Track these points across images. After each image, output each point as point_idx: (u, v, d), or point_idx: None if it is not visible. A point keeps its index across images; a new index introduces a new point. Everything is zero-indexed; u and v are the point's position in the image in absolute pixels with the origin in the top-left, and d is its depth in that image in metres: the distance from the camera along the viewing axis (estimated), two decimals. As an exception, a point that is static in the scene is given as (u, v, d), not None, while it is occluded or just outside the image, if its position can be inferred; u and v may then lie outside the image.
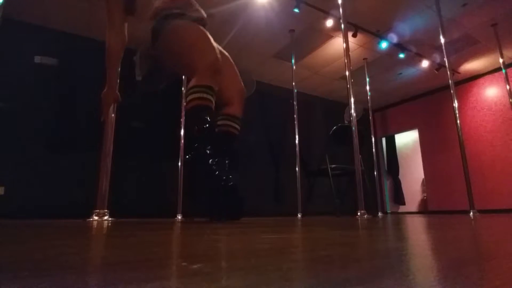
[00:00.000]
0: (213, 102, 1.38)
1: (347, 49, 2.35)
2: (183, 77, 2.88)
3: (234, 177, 1.55)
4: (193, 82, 1.39)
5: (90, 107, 3.22)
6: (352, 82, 2.26)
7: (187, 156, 1.32)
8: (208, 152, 1.29)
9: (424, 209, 6.13)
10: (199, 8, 1.67)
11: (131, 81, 1.60)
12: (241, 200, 1.53)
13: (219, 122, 1.58)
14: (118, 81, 1.67)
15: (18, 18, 3.41)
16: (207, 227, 0.93)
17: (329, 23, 3.65)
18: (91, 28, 3.62)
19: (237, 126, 1.59)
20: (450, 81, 3.15)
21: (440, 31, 3.27)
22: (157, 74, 1.65)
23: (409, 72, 5.06)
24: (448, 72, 3.20)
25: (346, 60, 2.32)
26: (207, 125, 1.34)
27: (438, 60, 4.62)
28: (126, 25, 1.64)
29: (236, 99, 1.62)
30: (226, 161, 1.56)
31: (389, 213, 6.26)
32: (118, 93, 1.66)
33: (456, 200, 5.07)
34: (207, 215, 1.25)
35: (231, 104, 1.60)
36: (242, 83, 1.69)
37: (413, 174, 6.52)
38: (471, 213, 2.79)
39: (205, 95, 1.35)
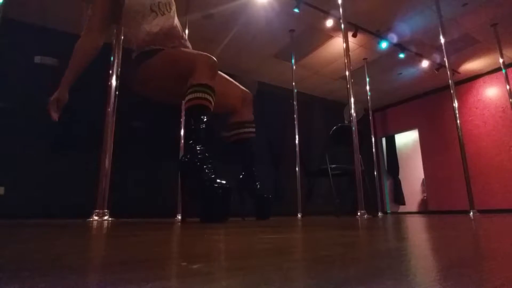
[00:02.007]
0: (212, 103, 1.36)
1: (347, 49, 2.35)
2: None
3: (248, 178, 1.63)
4: (191, 81, 1.36)
5: (90, 107, 3.23)
6: (352, 82, 2.26)
7: (183, 157, 1.30)
8: (203, 153, 1.27)
9: (424, 209, 6.13)
10: (185, 41, 1.63)
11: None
12: (267, 200, 1.60)
13: (236, 131, 1.67)
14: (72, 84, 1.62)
15: (18, 18, 3.41)
16: (207, 227, 0.93)
17: (329, 23, 3.65)
18: (91, 28, 3.62)
19: (248, 130, 1.68)
20: (450, 81, 3.15)
21: (440, 31, 3.27)
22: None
23: (409, 72, 5.06)
24: (448, 72, 3.20)
25: (346, 60, 2.32)
26: (204, 126, 1.33)
27: (438, 60, 4.62)
28: (105, 32, 1.58)
29: (243, 105, 1.68)
30: (251, 163, 1.65)
31: (389, 213, 6.27)
32: (67, 96, 1.60)
33: (456, 200, 5.07)
34: (201, 216, 1.25)
35: (238, 111, 1.67)
36: (241, 87, 1.72)
37: (413, 174, 6.52)
38: (471, 213, 2.79)
39: (205, 95, 1.34)
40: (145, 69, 1.49)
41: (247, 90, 1.75)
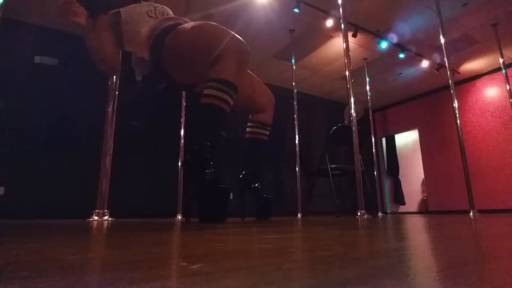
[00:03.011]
0: (231, 104, 1.27)
1: (347, 49, 2.35)
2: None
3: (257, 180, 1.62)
4: (214, 72, 1.24)
5: (90, 107, 3.23)
6: (352, 82, 2.26)
7: (188, 156, 1.28)
8: (208, 154, 1.25)
9: (424, 209, 6.13)
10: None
11: (131, 79, 1.58)
12: (268, 200, 1.60)
13: (249, 129, 1.65)
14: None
15: (18, 18, 3.41)
16: (207, 227, 0.93)
17: (329, 23, 3.65)
18: (91, 28, 3.61)
19: (266, 132, 1.67)
20: (450, 81, 3.15)
21: (440, 31, 3.27)
22: (156, 74, 1.60)
23: (409, 72, 5.06)
24: (448, 72, 3.20)
25: (346, 60, 2.32)
26: (214, 128, 1.27)
27: (438, 60, 4.63)
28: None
29: (268, 106, 1.67)
30: (256, 164, 1.65)
31: (389, 213, 6.27)
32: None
33: (456, 200, 5.07)
34: (200, 216, 1.25)
35: (263, 111, 1.64)
36: (272, 94, 1.70)
37: (413, 174, 6.52)
38: (471, 213, 2.79)
39: (224, 95, 1.24)
40: (170, 46, 1.37)
41: (269, 91, 1.72)
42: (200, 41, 1.35)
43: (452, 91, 3.12)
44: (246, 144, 1.69)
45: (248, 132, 1.68)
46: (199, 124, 1.28)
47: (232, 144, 1.72)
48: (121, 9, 1.47)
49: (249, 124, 1.68)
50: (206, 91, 1.26)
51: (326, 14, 3.55)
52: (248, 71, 1.61)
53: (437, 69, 4.75)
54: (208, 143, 1.25)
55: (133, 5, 1.50)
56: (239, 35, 1.36)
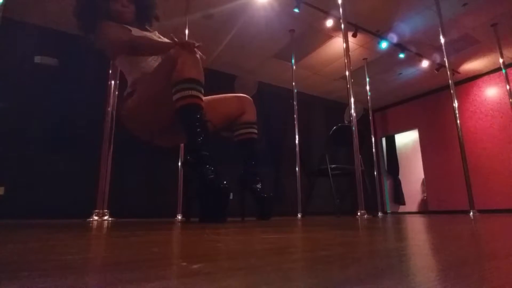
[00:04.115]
0: (201, 98, 1.31)
1: (347, 49, 2.35)
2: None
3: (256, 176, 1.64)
4: (176, 76, 1.29)
5: (90, 107, 3.23)
6: (352, 82, 2.26)
7: (188, 157, 1.29)
8: (205, 153, 1.26)
9: (424, 209, 6.13)
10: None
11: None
12: (268, 201, 1.61)
13: (238, 132, 1.69)
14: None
15: (18, 18, 3.41)
16: (207, 227, 0.93)
17: (329, 23, 3.65)
18: (91, 28, 3.61)
19: (253, 130, 1.71)
20: (450, 81, 3.15)
21: (440, 31, 3.27)
22: None
23: (409, 72, 5.06)
24: (448, 72, 3.20)
25: (346, 60, 2.32)
26: (201, 125, 1.29)
27: (438, 60, 4.62)
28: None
29: (246, 106, 1.71)
30: (253, 163, 1.67)
31: (389, 213, 6.27)
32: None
33: (456, 200, 5.07)
34: (200, 215, 1.25)
35: (243, 113, 1.69)
36: (236, 95, 1.75)
37: (413, 174, 6.52)
38: (471, 213, 2.79)
39: (192, 92, 1.28)
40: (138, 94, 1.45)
41: (243, 95, 1.76)
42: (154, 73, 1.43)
43: (452, 91, 3.12)
44: (238, 147, 1.72)
45: (236, 135, 1.72)
46: (184, 128, 1.31)
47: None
48: (131, 28, 1.51)
49: (235, 128, 1.72)
50: (175, 96, 1.29)
51: (326, 14, 3.54)
52: (211, 97, 1.67)
53: (437, 69, 4.75)
54: (200, 140, 1.25)
55: (140, 31, 1.56)
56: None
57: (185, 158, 1.32)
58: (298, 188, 3.54)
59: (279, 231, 0.82)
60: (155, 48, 1.46)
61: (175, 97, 1.29)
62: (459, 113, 3.09)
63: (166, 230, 0.90)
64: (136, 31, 1.52)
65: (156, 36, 1.63)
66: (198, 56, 1.37)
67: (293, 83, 3.93)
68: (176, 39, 1.33)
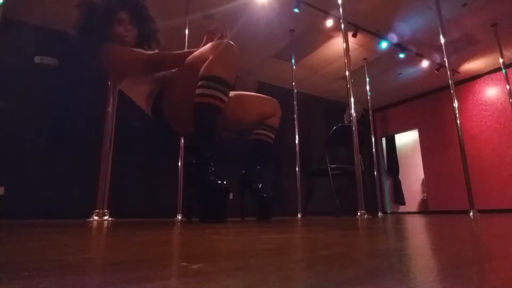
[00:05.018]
0: (225, 101, 1.26)
1: (347, 49, 2.35)
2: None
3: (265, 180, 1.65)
4: (202, 72, 1.25)
5: (90, 107, 3.23)
6: (352, 82, 2.26)
7: (190, 157, 1.28)
8: (209, 154, 1.25)
9: (424, 209, 6.13)
10: None
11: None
12: (269, 201, 1.61)
13: (259, 131, 1.68)
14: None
15: (18, 18, 3.41)
16: (207, 227, 0.93)
17: (329, 23, 3.65)
18: (91, 28, 3.62)
19: (272, 136, 1.71)
20: (450, 81, 3.15)
21: (440, 31, 3.27)
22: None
23: (409, 72, 5.06)
24: (448, 72, 3.20)
25: (346, 60, 2.32)
26: (211, 127, 1.26)
27: (438, 60, 4.62)
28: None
29: (277, 112, 1.72)
30: (259, 166, 1.68)
31: (389, 213, 6.27)
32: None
33: (456, 200, 5.07)
34: (200, 215, 1.24)
35: (272, 116, 1.69)
36: (269, 97, 1.74)
37: (413, 174, 6.52)
38: (471, 213, 2.79)
39: (216, 93, 1.23)
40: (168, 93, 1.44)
41: (272, 98, 1.75)
42: (189, 76, 1.37)
43: (452, 91, 3.12)
44: (251, 145, 1.70)
45: (255, 134, 1.70)
46: (195, 124, 1.27)
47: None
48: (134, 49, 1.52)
49: (259, 125, 1.69)
50: (197, 91, 1.26)
51: (326, 14, 3.54)
52: (252, 93, 1.67)
53: (437, 69, 4.75)
54: (205, 142, 1.24)
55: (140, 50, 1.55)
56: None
57: (186, 158, 1.32)
58: (298, 188, 3.54)
59: (279, 231, 0.82)
60: (175, 60, 1.43)
61: (198, 91, 1.25)
62: (459, 113, 3.09)
63: (166, 230, 0.90)
64: (138, 51, 1.52)
65: None
66: (237, 53, 1.30)
67: (293, 83, 3.93)
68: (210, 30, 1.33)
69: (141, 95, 1.56)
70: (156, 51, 1.62)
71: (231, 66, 1.28)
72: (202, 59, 1.31)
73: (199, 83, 1.26)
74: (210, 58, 1.26)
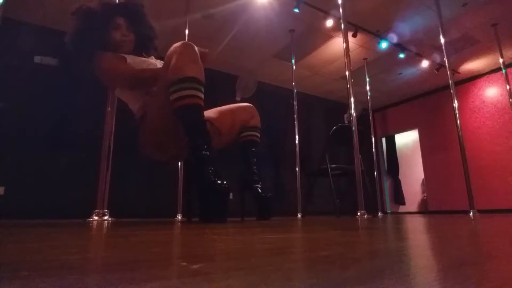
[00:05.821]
0: (201, 97, 1.26)
1: (347, 49, 2.35)
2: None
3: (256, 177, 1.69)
4: (169, 77, 1.22)
5: (90, 107, 3.23)
6: (352, 82, 2.26)
7: (190, 157, 1.29)
8: (206, 153, 1.25)
9: (424, 209, 6.13)
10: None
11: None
12: (269, 201, 1.62)
13: (244, 134, 1.74)
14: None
15: (18, 18, 3.41)
16: (207, 227, 0.93)
17: (329, 23, 3.65)
18: (91, 28, 3.62)
19: (258, 134, 1.78)
20: (450, 81, 3.15)
21: (440, 31, 3.27)
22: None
23: (409, 72, 5.06)
24: (448, 72, 3.20)
25: (346, 60, 2.32)
26: (202, 125, 1.27)
27: (438, 60, 4.62)
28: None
29: (254, 114, 1.78)
30: (254, 165, 1.71)
31: (389, 213, 6.27)
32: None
33: (456, 200, 5.07)
34: (201, 215, 1.24)
35: (252, 118, 1.76)
36: (240, 104, 1.80)
37: (413, 174, 6.52)
38: (471, 213, 2.79)
39: (191, 92, 1.22)
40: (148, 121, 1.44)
41: (248, 104, 1.80)
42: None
43: (452, 91, 3.12)
44: (242, 147, 1.74)
45: (241, 137, 1.74)
46: (184, 130, 1.28)
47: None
48: (126, 56, 1.48)
49: (242, 130, 1.74)
50: (172, 96, 1.24)
51: (326, 14, 3.54)
52: (227, 106, 1.72)
53: (437, 69, 4.75)
54: (200, 141, 1.25)
55: (136, 57, 1.53)
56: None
57: (186, 158, 1.32)
58: (298, 188, 3.54)
59: (279, 231, 0.82)
60: (150, 77, 1.41)
61: (171, 97, 1.23)
62: (459, 113, 3.09)
63: (166, 230, 0.90)
64: (131, 58, 1.48)
65: (153, 60, 1.57)
66: (196, 50, 1.29)
67: (293, 83, 3.93)
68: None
69: (133, 107, 1.57)
70: (152, 58, 1.61)
71: (195, 62, 1.27)
72: (167, 66, 1.30)
73: (171, 89, 1.23)
74: (173, 62, 1.24)
